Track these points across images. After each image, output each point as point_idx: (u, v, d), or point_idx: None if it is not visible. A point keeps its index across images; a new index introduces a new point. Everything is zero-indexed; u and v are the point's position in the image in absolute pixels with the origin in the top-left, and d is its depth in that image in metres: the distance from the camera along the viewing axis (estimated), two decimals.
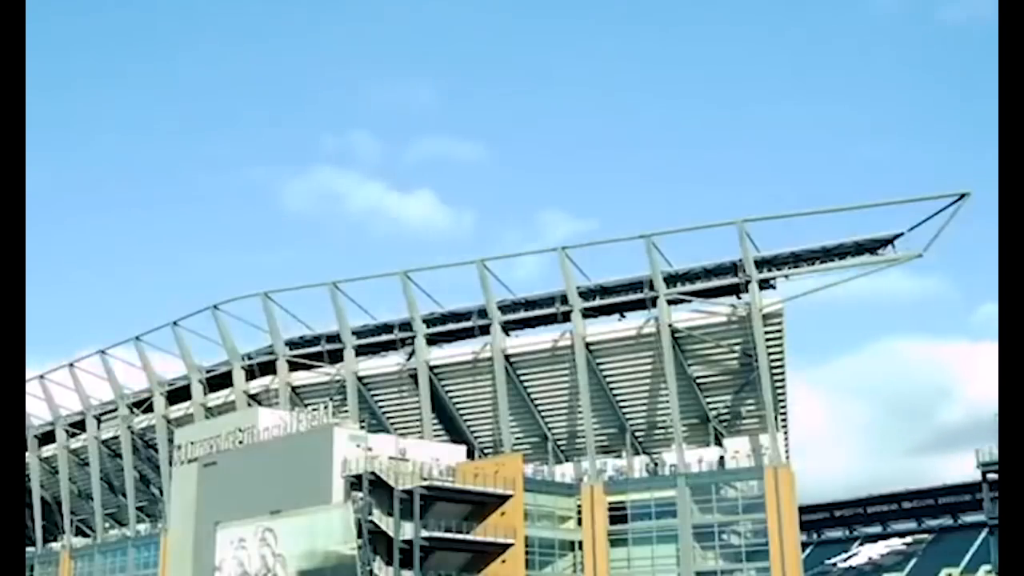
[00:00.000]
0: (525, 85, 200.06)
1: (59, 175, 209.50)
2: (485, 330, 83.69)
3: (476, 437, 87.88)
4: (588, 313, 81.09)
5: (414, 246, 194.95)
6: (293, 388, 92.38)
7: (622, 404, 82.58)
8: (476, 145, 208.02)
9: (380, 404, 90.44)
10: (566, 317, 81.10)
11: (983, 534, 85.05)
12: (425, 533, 71.19)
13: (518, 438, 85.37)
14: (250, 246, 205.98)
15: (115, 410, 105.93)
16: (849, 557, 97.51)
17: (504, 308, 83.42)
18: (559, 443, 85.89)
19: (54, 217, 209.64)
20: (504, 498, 74.67)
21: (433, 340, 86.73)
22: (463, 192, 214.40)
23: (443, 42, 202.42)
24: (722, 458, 79.24)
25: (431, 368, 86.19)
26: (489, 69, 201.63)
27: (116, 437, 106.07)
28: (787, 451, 77.38)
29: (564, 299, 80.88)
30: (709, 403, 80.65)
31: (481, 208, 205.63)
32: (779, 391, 77.75)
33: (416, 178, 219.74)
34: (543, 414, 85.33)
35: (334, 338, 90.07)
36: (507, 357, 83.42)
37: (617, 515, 78.24)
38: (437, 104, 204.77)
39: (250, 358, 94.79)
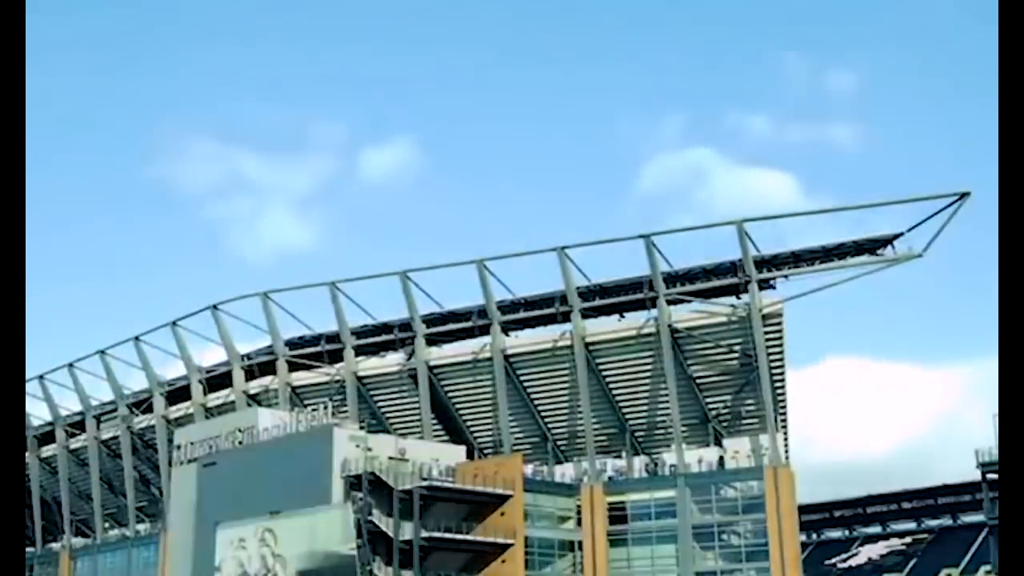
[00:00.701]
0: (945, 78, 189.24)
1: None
2: (485, 330, 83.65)
3: (476, 437, 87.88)
4: (588, 313, 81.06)
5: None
6: (293, 388, 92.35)
7: (622, 404, 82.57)
8: (855, 131, 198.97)
9: (380, 404, 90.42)
10: (566, 317, 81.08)
11: (983, 534, 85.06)
12: (425, 533, 71.13)
13: (518, 438, 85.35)
14: (584, 226, 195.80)
15: (115, 410, 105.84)
16: (849, 557, 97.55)
17: (504, 308, 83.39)
18: (559, 443, 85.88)
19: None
20: (504, 498, 74.63)
21: (433, 340, 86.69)
22: (826, 178, 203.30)
23: (875, 27, 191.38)
24: (722, 458, 79.21)
25: (431, 368, 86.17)
26: (914, 59, 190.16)
27: (116, 437, 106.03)
28: (787, 451, 77.43)
29: (564, 299, 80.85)
30: (709, 403, 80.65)
31: (839, 195, 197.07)
32: (779, 391, 77.74)
33: (785, 161, 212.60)
34: (543, 414, 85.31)
35: (334, 338, 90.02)
36: (507, 357, 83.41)
37: (617, 515, 78.25)
38: (853, 91, 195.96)
39: (250, 358, 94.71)
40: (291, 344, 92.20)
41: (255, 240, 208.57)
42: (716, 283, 77.60)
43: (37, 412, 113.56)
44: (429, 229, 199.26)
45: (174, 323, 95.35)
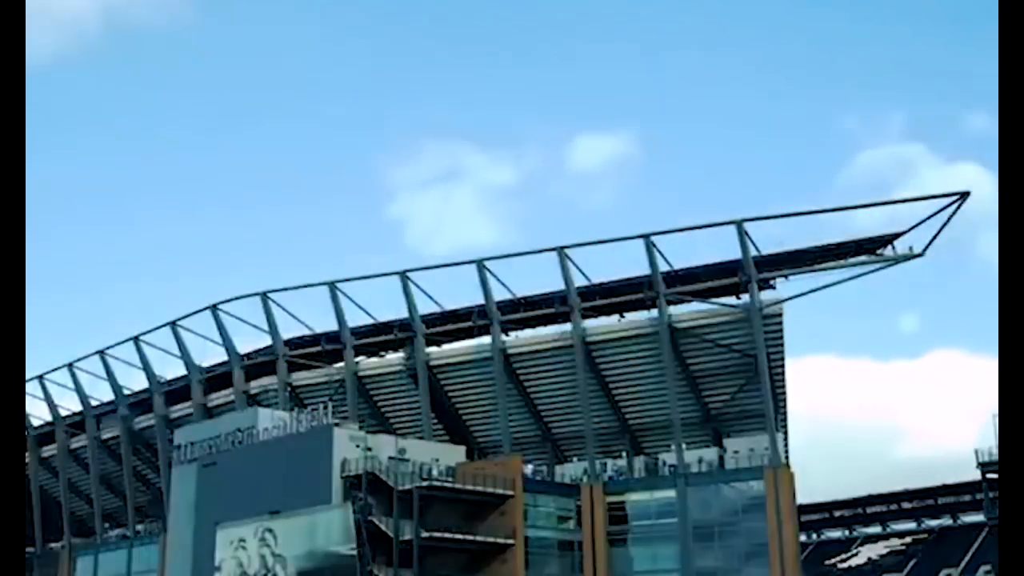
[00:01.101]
0: None
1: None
2: (485, 329, 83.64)
3: (476, 437, 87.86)
4: (588, 313, 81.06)
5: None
6: (293, 388, 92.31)
7: (622, 404, 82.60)
8: None
9: (380, 404, 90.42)
10: (566, 317, 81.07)
11: (983, 534, 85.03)
12: (424, 533, 71.10)
13: (518, 438, 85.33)
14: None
15: (115, 410, 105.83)
16: (849, 557, 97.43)
17: (504, 308, 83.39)
18: (559, 443, 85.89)
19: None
20: (504, 498, 74.62)
21: (433, 340, 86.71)
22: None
23: None
24: (722, 458, 79.20)
25: (431, 367, 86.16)
26: None
27: (116, 437, 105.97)
28: (787, 451, 77.43)
29: (564, 299, 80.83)
30: (709, 403, 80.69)
31: None
32: (779, 391, 77.81)
33: (989, 157, 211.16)
34: (543, 414, 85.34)
35: (334, 338, 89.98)
36: (507, 356, 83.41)
37: (617, 515, 78.20)
38: None
39: (250, 358, 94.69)
40: (291, 344, 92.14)
41: (437, 235, 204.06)
42: (716, 283, 77.60)
43: (37, 412, 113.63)
44: (623, 221, 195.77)
45: (174, 323, 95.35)
